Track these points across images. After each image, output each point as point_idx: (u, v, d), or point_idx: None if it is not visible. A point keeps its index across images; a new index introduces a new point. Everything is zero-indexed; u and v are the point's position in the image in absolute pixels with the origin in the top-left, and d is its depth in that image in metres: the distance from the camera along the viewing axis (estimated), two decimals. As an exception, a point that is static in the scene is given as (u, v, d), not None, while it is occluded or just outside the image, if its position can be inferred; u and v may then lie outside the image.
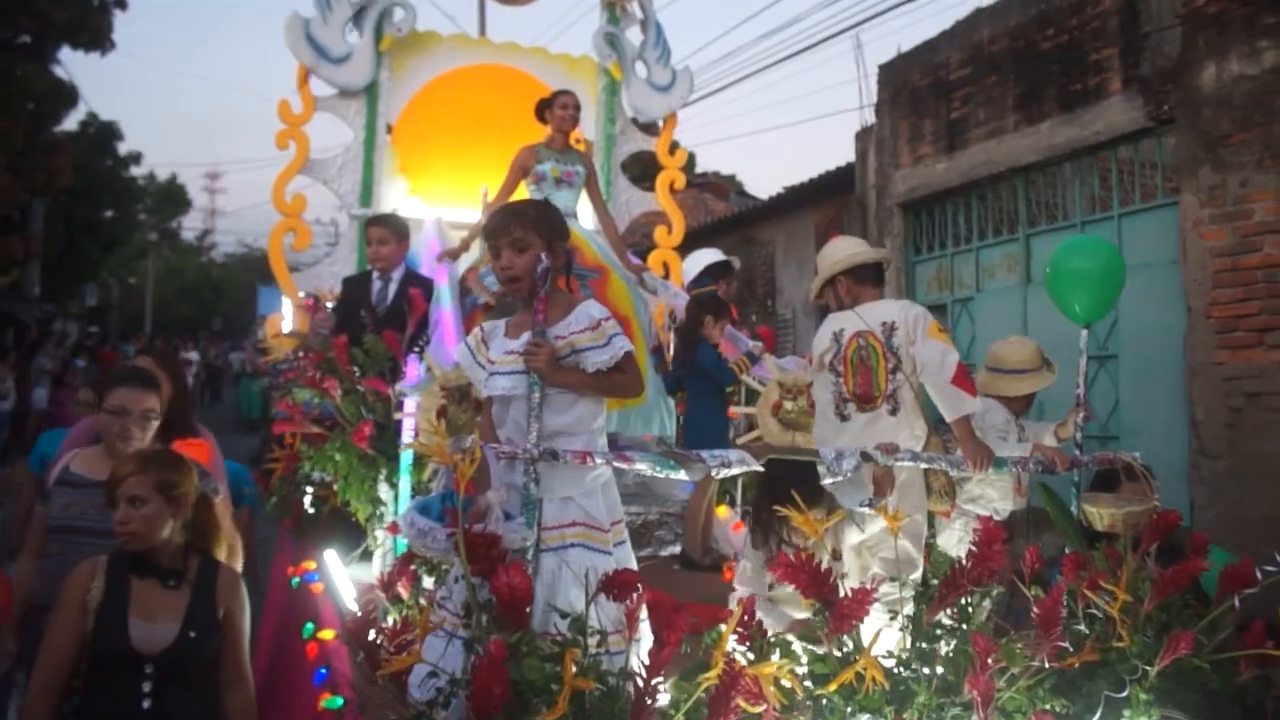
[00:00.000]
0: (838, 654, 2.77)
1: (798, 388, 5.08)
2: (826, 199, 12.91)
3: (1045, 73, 8.83)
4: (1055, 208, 9.08)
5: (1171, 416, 7.43)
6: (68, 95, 19.08)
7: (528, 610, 2.50)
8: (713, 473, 3.07)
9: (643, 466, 2.96)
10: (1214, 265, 6.98)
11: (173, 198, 40.08)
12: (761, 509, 3.87)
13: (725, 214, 17.50)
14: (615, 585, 2.48)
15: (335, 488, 4.84)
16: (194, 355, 22.04)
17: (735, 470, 3.07)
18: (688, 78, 7.86)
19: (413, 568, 3.60)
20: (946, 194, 10.30)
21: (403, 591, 3.55)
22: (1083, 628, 3.11)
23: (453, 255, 5.92)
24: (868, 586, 2.88)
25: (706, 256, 6.57)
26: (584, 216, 6.37)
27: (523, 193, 6.18)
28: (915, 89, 10.71)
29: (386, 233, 5.63)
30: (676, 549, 5.46)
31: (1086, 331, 3.87)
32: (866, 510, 3.48)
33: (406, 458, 4.51)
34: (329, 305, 6.35)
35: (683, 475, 3.00)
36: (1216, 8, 7.09)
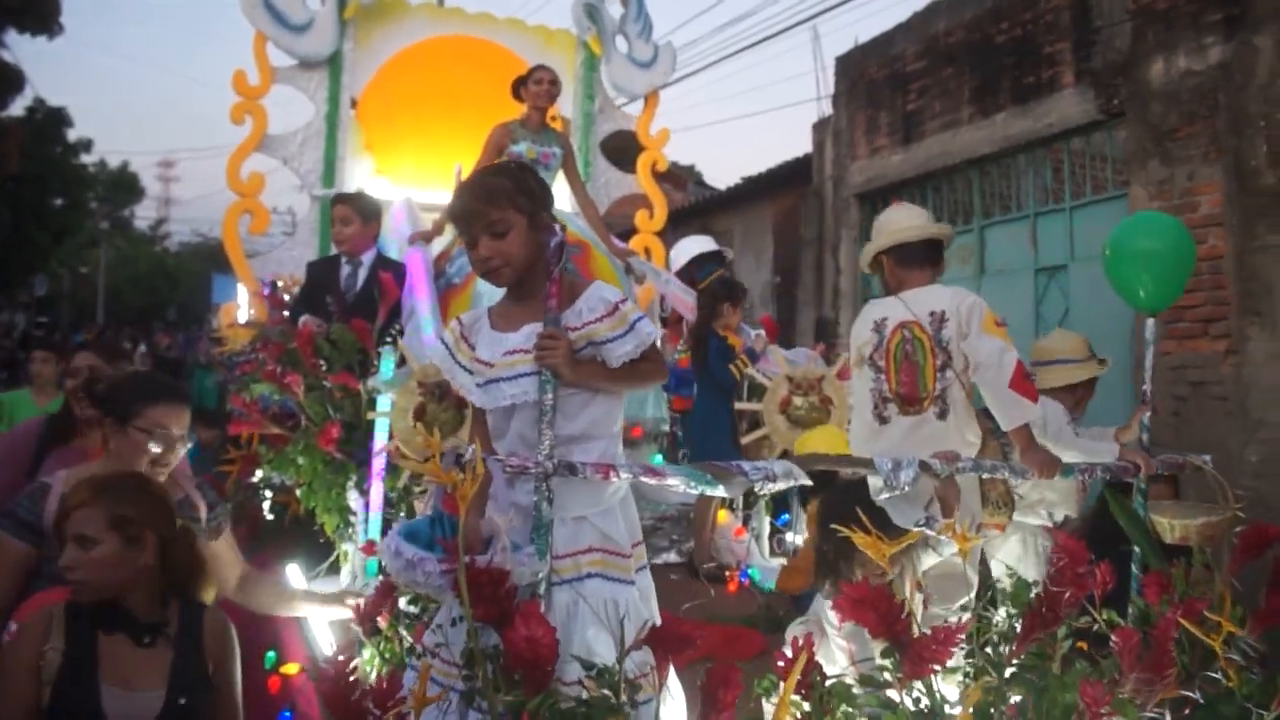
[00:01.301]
0: (911, 705, 2.28)
1: (808, 382, 4.58)
2: (784, 189, 12.85)
3: (999, 65, 8.86)
4: (1009, 199, 9.12)
5: (1120, 405, 7.30)
6: (14, 80, 18.17)
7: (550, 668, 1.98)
8: (755, 488, 2.54)
9: (676, 481, 2.44)
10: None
11: (125, 185, 38.86)
12: (824, 538, 3.21)
13: (684, 204, 17.06)
14: (666, 639, 1.95)
15: (298, 494, 4.26)
16: (140, 347, 20.81)
17: (780, 485, 2.55)
18: (670, 54, 7.30)
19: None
20: (902, 185, 10.31)
21: (382, 622, 3.02)
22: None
23: (425, 238, 5.37)
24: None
25: (696, 244, 6.03)
26: (561, 199, 5.82)
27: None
28: (872, 81, 10.71)
29: (349, 211, 5.02)
30: (672, 556, 4.95)
31: (1153, 321, 3.41)
32: (926, 530, 2.96)
33: (379, 463, 3.96)
34: (293, 291, 5.77)
35: (721, 491, 2.47)
36: (1165, 4, 7.08)
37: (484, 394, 2.49)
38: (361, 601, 3.04)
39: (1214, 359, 6.56)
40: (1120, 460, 3.27)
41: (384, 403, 3.91)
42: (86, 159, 29.61)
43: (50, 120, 24.85)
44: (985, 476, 3.30)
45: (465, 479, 2.04)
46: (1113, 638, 2.51)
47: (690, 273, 5.78)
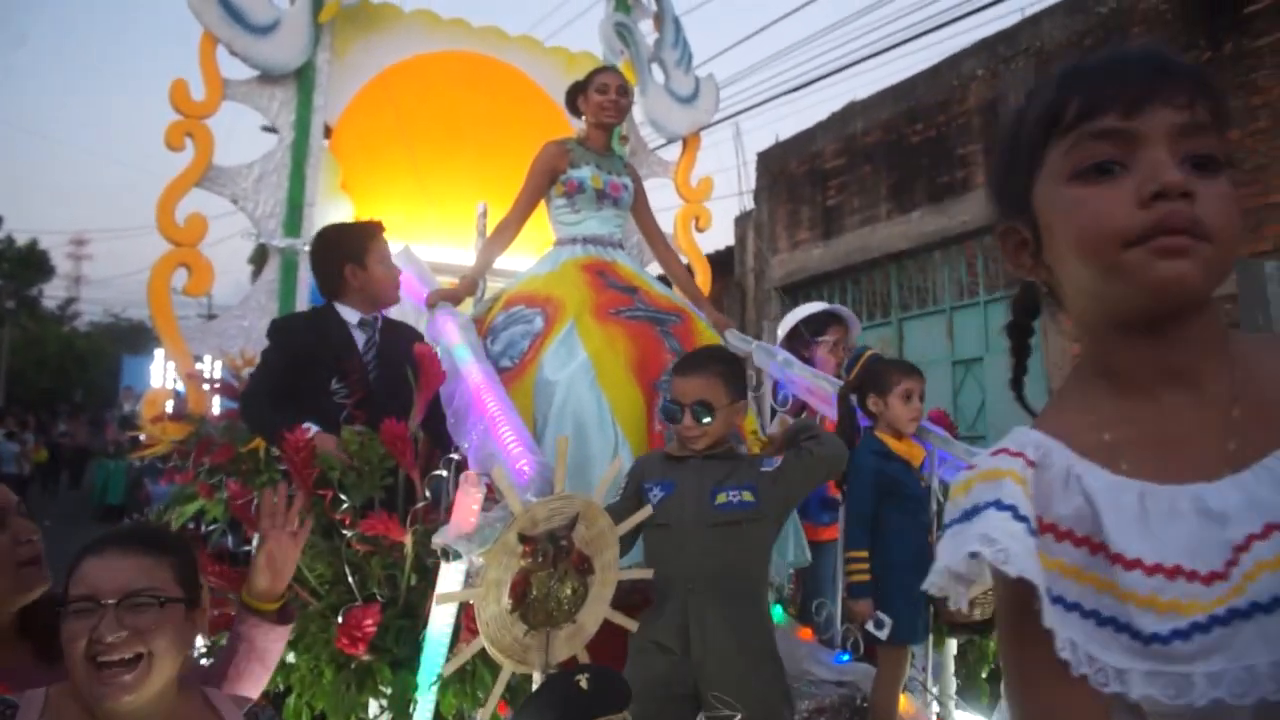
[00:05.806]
0: None
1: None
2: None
3: (915, 165, 8.85)
4: (926, 293, 9.14)
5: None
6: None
7: None
8: None
9: None
10: (1071, 350, 6.97)
11: (33, 263, 35.73)
12: None
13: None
14: None
15: (286, 703, 2.38)
16: (28, 436, 18.02)
17: None
18: (713, 88, 5.66)
19: None
20: (823, 278, 10.31)
21: None
22: None
23: (453, 299, 3.60)
24: None
25: (806, 307, 4.43)
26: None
27: (543, 210, 3.92)
28: (793, 176, 10.64)
29: (385, 250, 3.21)
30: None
31: None
32: None
33: (430, 676, 2.14)
34: (243, 374, 3.91)
35: None
36: (1065, 113, 7.35)
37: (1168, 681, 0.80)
38: None
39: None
40: None
41: (453, 574, 2.08)
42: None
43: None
44: None
45: None
46: None
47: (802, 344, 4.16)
